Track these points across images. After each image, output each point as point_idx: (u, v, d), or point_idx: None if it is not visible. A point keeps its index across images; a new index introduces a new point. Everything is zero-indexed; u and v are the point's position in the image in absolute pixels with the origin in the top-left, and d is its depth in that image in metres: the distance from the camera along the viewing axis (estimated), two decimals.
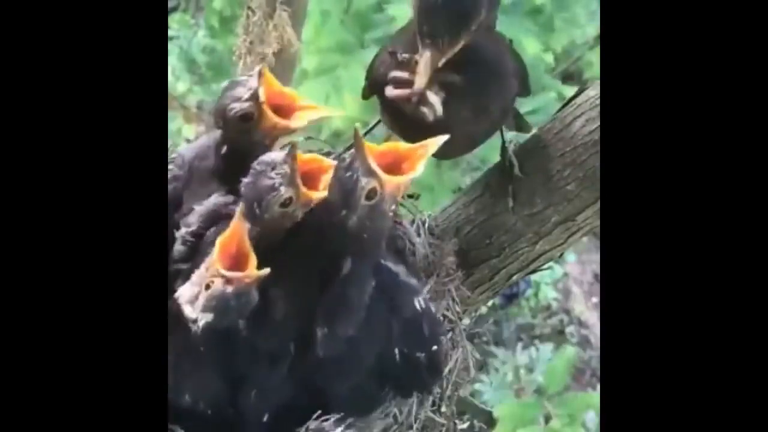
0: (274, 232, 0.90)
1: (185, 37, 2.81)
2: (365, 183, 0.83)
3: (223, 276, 0.84)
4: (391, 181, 0.84)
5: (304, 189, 0.87)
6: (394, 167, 0.85)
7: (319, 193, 0.88)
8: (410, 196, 1.12)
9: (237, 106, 0.94)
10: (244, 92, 0.94)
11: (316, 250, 0.89)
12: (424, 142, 0.86)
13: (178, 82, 2.82)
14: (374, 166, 0.83)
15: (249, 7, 1.40)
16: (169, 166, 1.00)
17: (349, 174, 0.83)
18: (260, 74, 0.93)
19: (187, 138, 2.65)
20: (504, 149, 1.05)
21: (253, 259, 0.86)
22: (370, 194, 0.83)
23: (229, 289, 0.84)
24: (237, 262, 0.86)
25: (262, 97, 0.93)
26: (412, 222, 1.08)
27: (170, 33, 2.75)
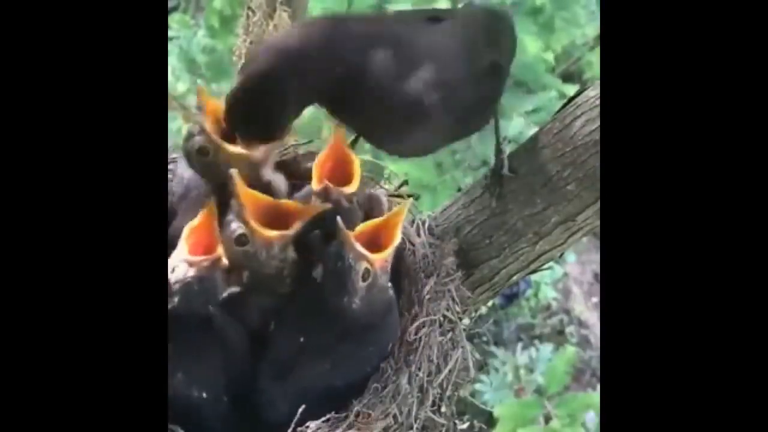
0: (261, 277, 0.92)
1: (185, 37, 2.80)
2: (358, 267, 0.88)
3: (185, 260, 0.85)
4: (379, 259, 0.89)
5: (254, 225, 0.89)
6: (374, 242, 0.90)
7: (270, 232, 0.90)
8: (410, 196, 1.12)
9: (193, 141, 0.94)
10: (199, 126, 0.94)
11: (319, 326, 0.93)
12: (395, 211, 0.92)
13: (178, 82, 2.81)
14: (362, 249, 0.88)
15: (249, 7, 1.39)
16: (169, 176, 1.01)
17: (340, 263, 0.88)
18: (199, 94, 0.92)
19: None
20: (498, 149, 1.05)
21: (220, 248, 0.87)
22: (365, 276, 0.88)
23: (191, 272, 0.85)
24: (206, 251, 0.87)
25: (207, 126, 0.92)
26: (412, 222, 1.08)
27: (170, 33, 2.74)
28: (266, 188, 0.98)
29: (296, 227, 0.91)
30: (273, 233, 0.90)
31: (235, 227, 0.90)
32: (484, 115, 1.01)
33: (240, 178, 0.90)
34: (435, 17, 0.96)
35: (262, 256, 0.91)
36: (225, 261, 0.87)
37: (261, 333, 0.95)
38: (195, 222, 0.88)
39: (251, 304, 0.95)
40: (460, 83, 0.92)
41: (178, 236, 0.92)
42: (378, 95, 0.88)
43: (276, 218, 0.92)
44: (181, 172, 1.03)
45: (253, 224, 0.89)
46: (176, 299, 0.85)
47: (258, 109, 0.86)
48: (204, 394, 0.89)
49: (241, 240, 0.89)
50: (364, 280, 0.89)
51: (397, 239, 0.91)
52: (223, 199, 0.92)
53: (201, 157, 0.96)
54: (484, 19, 1.03)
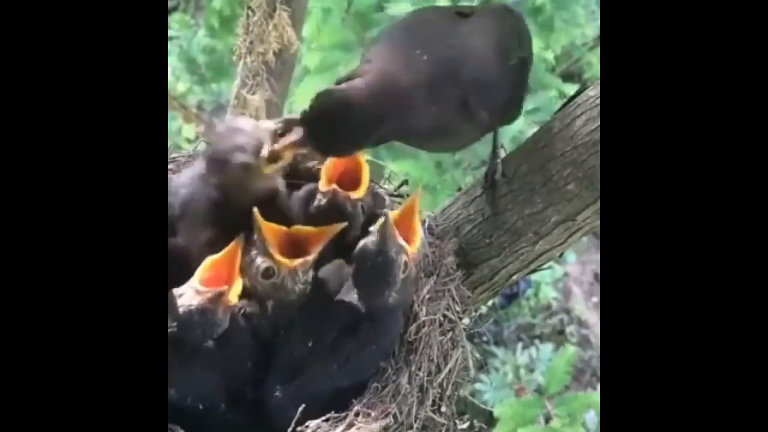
0: (286, 304, 0.94)
1: (185, 37, 2.81)
2: (399, 260, 0.90)
3: (194, 288, 0.87)
4: (413, 250, 0.92)
5: (278, 257, 0.91)
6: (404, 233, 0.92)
7: (293, 261, 0.92)
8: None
9: (240, 157, 0.94)
10: (246, 142, 0.95)
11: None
12: (407, 204, 0.96)
13: (178, 82, 2.81)
14: (403, 242, 0.90)
15: (249, 7, 1.40)
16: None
17: (381, 258, 0.89)
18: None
19: (188, 138, 2.65)
20: (494, 153, 1.05)
21: (236, 286, 0.89)
22: (404, 268, 0.91)
23: (196, 301, 0.86)
24: (216, 285, 0.88)
25: (265, 152, 0.93)
26: None
27: (170, 33, 2.75)
28: (273, 195, 0.99)
29: (315, 251, 0.93)
30: (296, 261, 0.92)
31: (260, 262, 0.92)
32: (518, 108, 1.05)
33: (260, 215, 0.92)
34: (463, 12, 0.99)
35: (288, 284, 0.93)
36: (231, 298, 0.89)
37: (271, 341, 0.96)
38: (216, 255, 0.91)
39: (268, 323, 0.96)
40: (497, 79, 0.97)
41: (176, 254, 0.92)
42: (432, 104, 0.91)
43: (293, 245, 0.94)
44: (175, 189, 1.01)
45: (278, 257, 0.92)
46: (175, 325, 0.86)
47: (346, 130, 0.87)
48: (200, 406, 0.90)
49: (268, 273, 0.92)
50: (403, 272, 0.90)
51: (420, 231, 0.94)
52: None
53: (242, 172, 0.95)
54: (509, 17, 1.06)
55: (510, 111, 1.04)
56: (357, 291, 0.91)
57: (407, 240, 0.91)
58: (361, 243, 0.90)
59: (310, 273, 0.94)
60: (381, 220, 0.89)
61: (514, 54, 1.00)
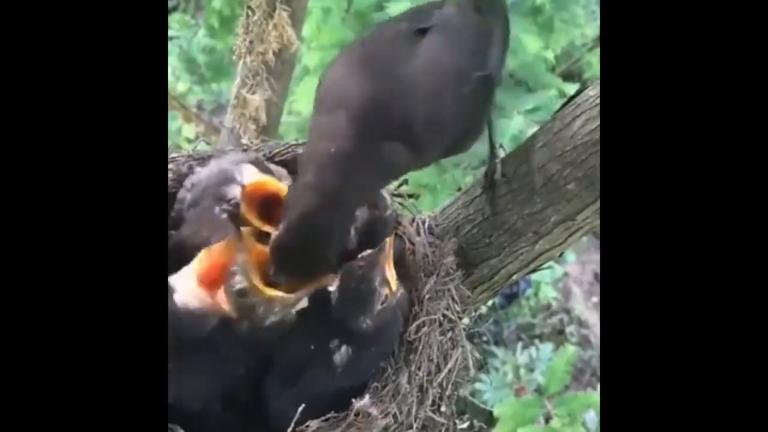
0: (257, 332, 0.91)
1: (185, 37, 2.81)
2: (381, 292, 0.91)
3: (192, 292, 0.87)
4: (395, 283, 0.92)
5: (257, 283, 0.88)
6: None
7: (272, 292, 0.88)
8: (410, 196, 1.12)
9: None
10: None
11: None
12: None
13: (178, 82, 2.82)
14: (391, 277, 0.91)
15: (249, 7, 1.40)
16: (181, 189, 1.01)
17: (364, 285, 0.90)
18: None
19: (188, 138, 2.65)
20: (492, 154, 1.05)
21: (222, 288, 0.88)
22: (383, 300, 0.91)
23: (193, 304, 0.87)
24: (215, 283, 0.88)
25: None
26: (412, 222, 1.08)
27: (170, 33, 2.75)
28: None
29: (301, 294, 0.90)
30: (274, 294, 0.89)
31: (238, 281, 0.88)
32: (478, 129, 1.00)
33: (251, 236, 0.90)
34: (423, 28, 0.93)
35: (261, 312, 0.90)
36: (225, 307, 0.88)
37: (270, 347, 0.94)
38: (215, 246, 0.89)
39: (260, 337, 0.94)
40: (449, 115, 0.91)
41: (182, 243, 0.92)
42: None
43: None
44: (197, 180, 1.02)
45: (256, 282, 0.88)
46: (171, 313, 0.85)
47: (307, 252, 0.87)
48: (197, 409, 0.90)
49: (242, 292, 0.89)
50: (381, 303, 0.91)
51: (393, 273, 0.94)
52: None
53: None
54: (475, 24, 0.98)
55: (464, 140, 0.99)
56: (334, 306, 0.91)
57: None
58: (349, 264, 0.91)
59: (292, 312, 0.91)
60: (375, 249, 0.90)
61: (473, 76, 0.93)
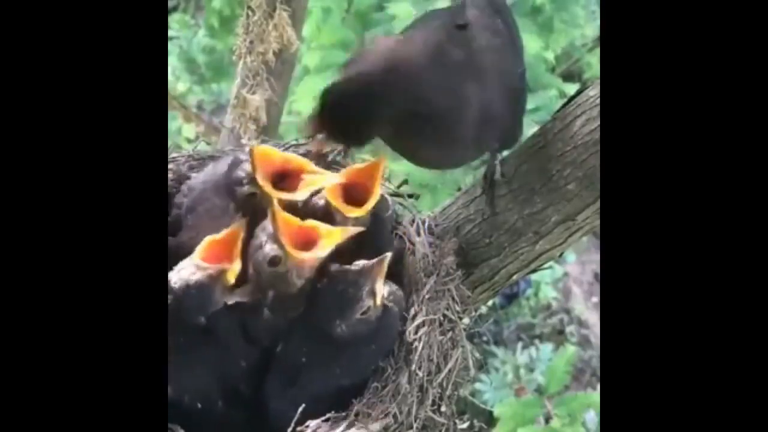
0: (284, 297, 0.92)
1: (185, 37, 2.81)
2: (365, 303, 0.90)
3: (194, 264, 0.87)
4: (381, 298, 0.91)
5: (290, 249, 0.89)
6: None
7: (303, 255, 0.90)
8: (410, 196, 1.12)
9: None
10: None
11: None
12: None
13: (178, 82, 2.82)
14: (380, 291, 0.90)
15: (249, 7, 1.40)
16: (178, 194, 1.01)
17: (351, 290, 0.90)
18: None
19: (188, 138, 2.65)
20: (492, 154, 1.05)
21: (235, 267, 0.88)
22: (364, 312, 0.91)
23: (195, 276, 0.86)
24: (216, 260, 0.88)
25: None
26: (412, 222, 1.08)
27: (170, 33, 2.75)
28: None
29: (327, 249, 0.91)
30: (307, 255, 0.90)
31: (269, 249, 0.90)
32: (522, 123, 1.04)
33: (279, 205, 0.91)
34: (460, 24, 0.96)
35: (292, 277, 0.91)
36: (230, 277, 0.88)
37: (270, 348, 0.95)
38: (217, 235, 0.90)
39: (265, 324, 0.95)
40: (503, 110, 0.95)
41: (182, 248, 0.92)
42: (435, 122, 0.91)
43: (304, 239, 0.92)
44: (194, 185, 1.02)
45: (289, 248, 0.89)
46: (171, 298, 0.86)
47: (358, 104, 0.86)
48: (198, 404, 0.90)
49: (275, 261, 0.90)
50: (362, 314, 0.91)
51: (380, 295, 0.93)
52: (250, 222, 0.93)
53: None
54: (510, 23, 1.04)
55: (516, 133, 1.03)
56: (315, 302, 0.91)
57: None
58: (344, 267, 0.91)
59: (313, 271, 0.93)
60: (375, 260, 0.90)
61: (516, 72, 0.98)
